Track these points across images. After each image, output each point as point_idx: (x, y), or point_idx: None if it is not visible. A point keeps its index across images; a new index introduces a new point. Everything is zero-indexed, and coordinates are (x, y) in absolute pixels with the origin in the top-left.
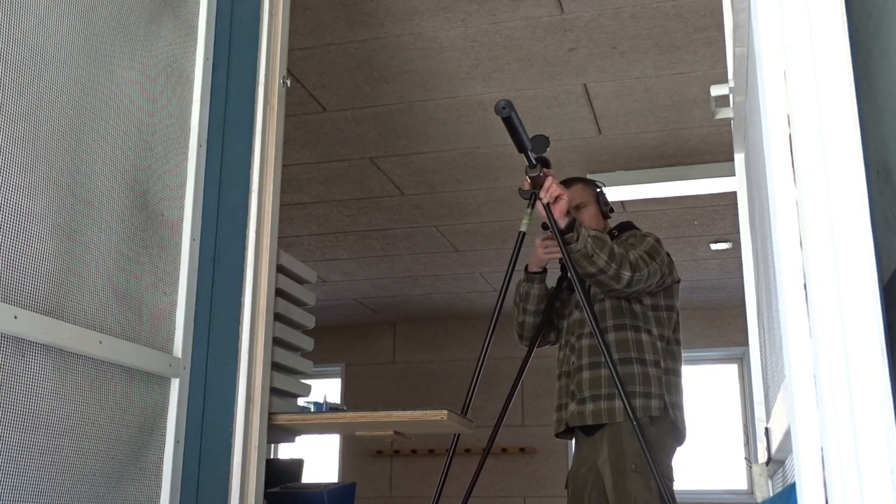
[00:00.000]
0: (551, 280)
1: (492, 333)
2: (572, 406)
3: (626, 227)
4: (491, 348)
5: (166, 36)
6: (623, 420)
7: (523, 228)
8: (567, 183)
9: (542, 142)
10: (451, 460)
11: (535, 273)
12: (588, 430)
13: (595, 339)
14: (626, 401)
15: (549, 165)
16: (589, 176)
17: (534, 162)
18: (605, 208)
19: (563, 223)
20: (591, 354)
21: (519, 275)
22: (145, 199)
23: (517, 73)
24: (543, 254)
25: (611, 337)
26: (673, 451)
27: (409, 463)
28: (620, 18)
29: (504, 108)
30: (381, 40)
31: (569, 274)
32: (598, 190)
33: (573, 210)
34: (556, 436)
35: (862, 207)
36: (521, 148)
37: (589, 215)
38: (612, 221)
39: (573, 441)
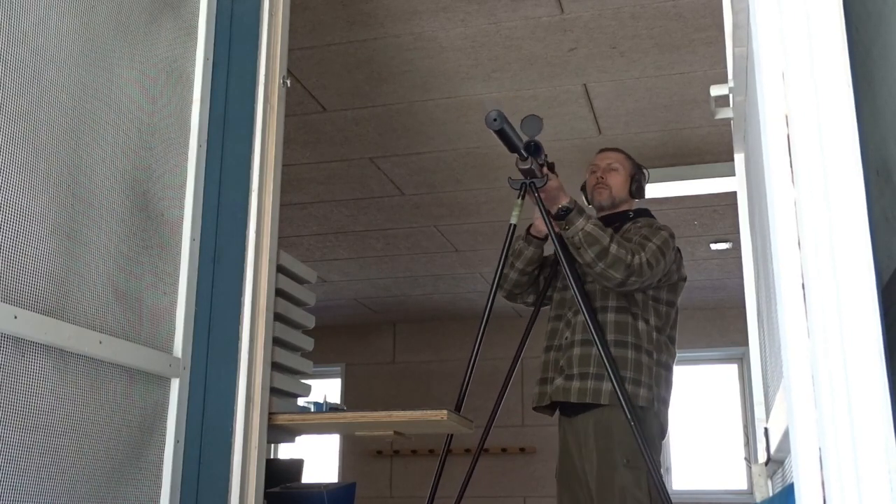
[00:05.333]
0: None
1: (484, 328)
2: (559, 381)
3: (643, 213)
4: (490, 349)
5: (166, 36)
6: (609, 405)
7: (513, 220)
8: (611, 149)
9: (533, 123)
10: (444, 461)
11: (533, 237)
12: (571, 411)
13: (587, 319)
14: (617, 387)
15: (541, 149)
16: None
17: (524, 154)
18: (633, 186)
19: (559, 203)
20: (585, 331)
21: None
22: (145, 199)
23: (517, 73)
24: (540, 223)
25: (610, 317)
26: (657, 446)
27: (409, 463)
28: (620, 18)
29: (495, 120)
30: (381, 40)
31: (557, 254)
32: (638, 170)
33: (607, 171)
34: (535, 409)
35: (860, 208)
36: (513, 149)
37: (616, 180)
38: None
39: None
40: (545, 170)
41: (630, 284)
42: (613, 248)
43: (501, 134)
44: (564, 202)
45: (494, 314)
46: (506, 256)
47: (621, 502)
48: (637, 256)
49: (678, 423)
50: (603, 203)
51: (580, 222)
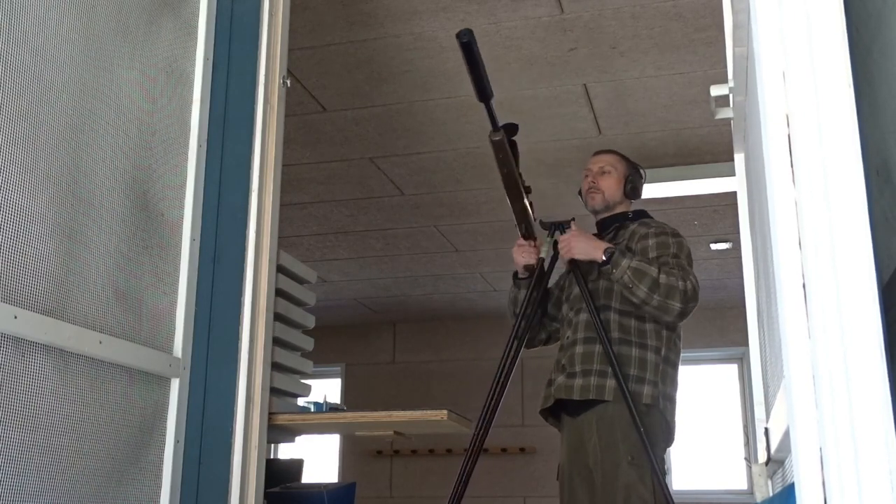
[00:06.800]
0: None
1: (513, 340)
2: (560, 379)
3: (641, 214)
4: (490, 348)
5: (166, 36)
6: (613, 401)
7: (542, 254)
8: (605, 151)
9: (510, 128)
10: (468, 460)
11: (521, 279)
12: (574, 410)
13: (591, 315)
14: (621, 381)
15: (516, 150)
16: None
17: (498, 124)
18: (627, 187)
19: (599, 255)
20: (586, 330)
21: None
22: (145, 199)
23: (517, 73)
24: (519, 257)
25: (613, 316)
26: (661, 445)
27: (409, 463)
28: (620, 18)
29: (465, 34)
30: (381, 40)
31: (565, 258)
32: (633, 171)
33: (599, 175)
34: (541, 413)
35: (861, 208)
36: (483, 93)
37: (608, 183)
38: None
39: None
40: (566, 229)
41: (689, 312)
42: (663, 277)
43: (468, 50)
44: (604, 249)
45: (495, 314)
46: (533, 288)
47: (625, 500)
48: (688, 282)
49: (678, 422)
50: (596, 207)
51: (624, 262)
